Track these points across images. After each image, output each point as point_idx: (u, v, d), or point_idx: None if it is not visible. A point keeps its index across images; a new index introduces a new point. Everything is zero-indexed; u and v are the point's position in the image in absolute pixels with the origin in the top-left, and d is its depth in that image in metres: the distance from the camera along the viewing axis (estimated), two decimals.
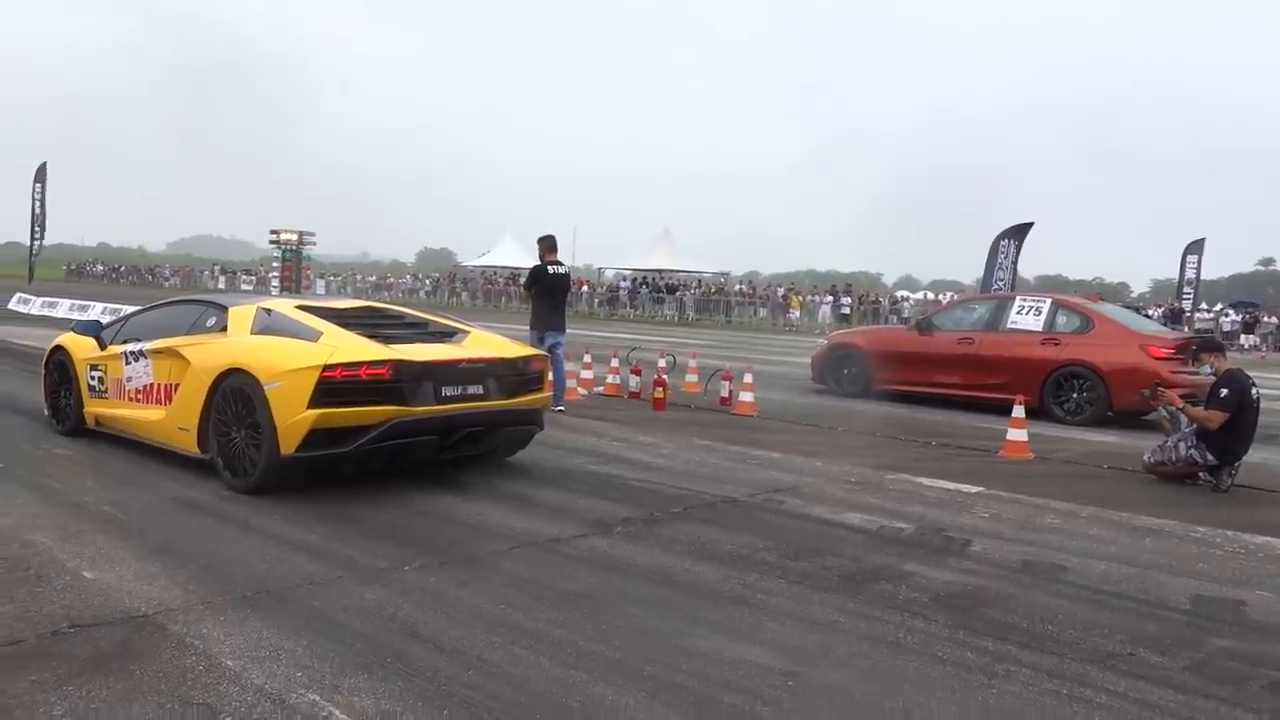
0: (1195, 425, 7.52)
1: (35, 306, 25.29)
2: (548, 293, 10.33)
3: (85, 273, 70.76)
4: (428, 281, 55.73)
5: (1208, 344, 8.71)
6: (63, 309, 24.16)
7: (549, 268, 10.28)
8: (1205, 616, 4.46)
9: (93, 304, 23.96)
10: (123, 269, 72.05)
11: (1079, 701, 3.43)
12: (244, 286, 54.51)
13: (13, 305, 26.04)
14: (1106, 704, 3.42)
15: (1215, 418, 7.36)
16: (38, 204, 26.37)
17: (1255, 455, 7.95)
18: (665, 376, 11.25)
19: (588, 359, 12.63)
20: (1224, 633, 4.25)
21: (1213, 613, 4.51)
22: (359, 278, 59.23)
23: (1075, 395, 11.12)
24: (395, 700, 3.20)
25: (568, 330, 10.55)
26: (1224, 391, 7.41)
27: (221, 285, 58.48)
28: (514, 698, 3.25)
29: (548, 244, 10.39)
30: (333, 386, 5.68)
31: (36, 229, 26.91)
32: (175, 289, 58.85)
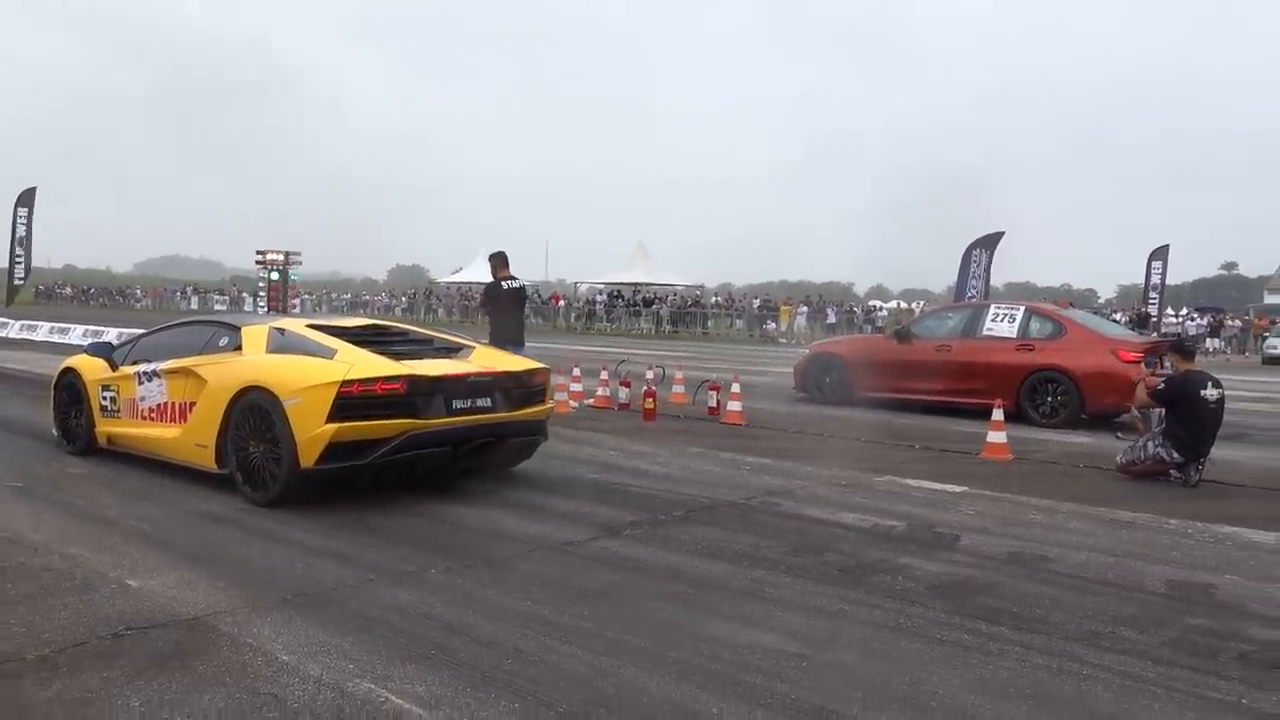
0: (1163, 425, 7.94)
1: (14, 330, 25.21)
2: (506, 308, 10.55)
3: (54, 295, 70.04)
4: (403, 298, 55.79)
5: (1176, 346, 9.16)
6: (42, 332, 24.13)
7: (503, 283, 10.52)
8: (1179, 598, 4.81)
9: (73, 327, 23.97)
10: (92, 291, 71.40)
11: (1068, 674, 3.76)
12: (217, 307, 54.28)
13: None
14: (1093, 675, 3.75)
15: (1143, 401, 8.17)
16: (22, 227, 26.34)
17: (1223, 452, 8.38)
18: (655, 388, 11.56)
19: (577, 372, 12.90)
20: (1197, 612, 4.60)
21: (1186, 595, 4.87)
22: (334, 296, 59.15)
23: (1050, 399, 11.52)
24: (445, 686, 3.47)
25: (526, 344, 10.55)
26: (1161, 385, 8.08)
27: (194, 306, 58.23)
28: (554, 682, 3.53)
29: (500, 260, 10.63)
30: (350, 401, 5.94)
31: (19, 253, 26.84)
32: (147, 310, 58.48)
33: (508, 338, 10.36)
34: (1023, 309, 12.49)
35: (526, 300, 10.98)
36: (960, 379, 12.17)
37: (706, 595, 4.65)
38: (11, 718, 3.16)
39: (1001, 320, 12.34)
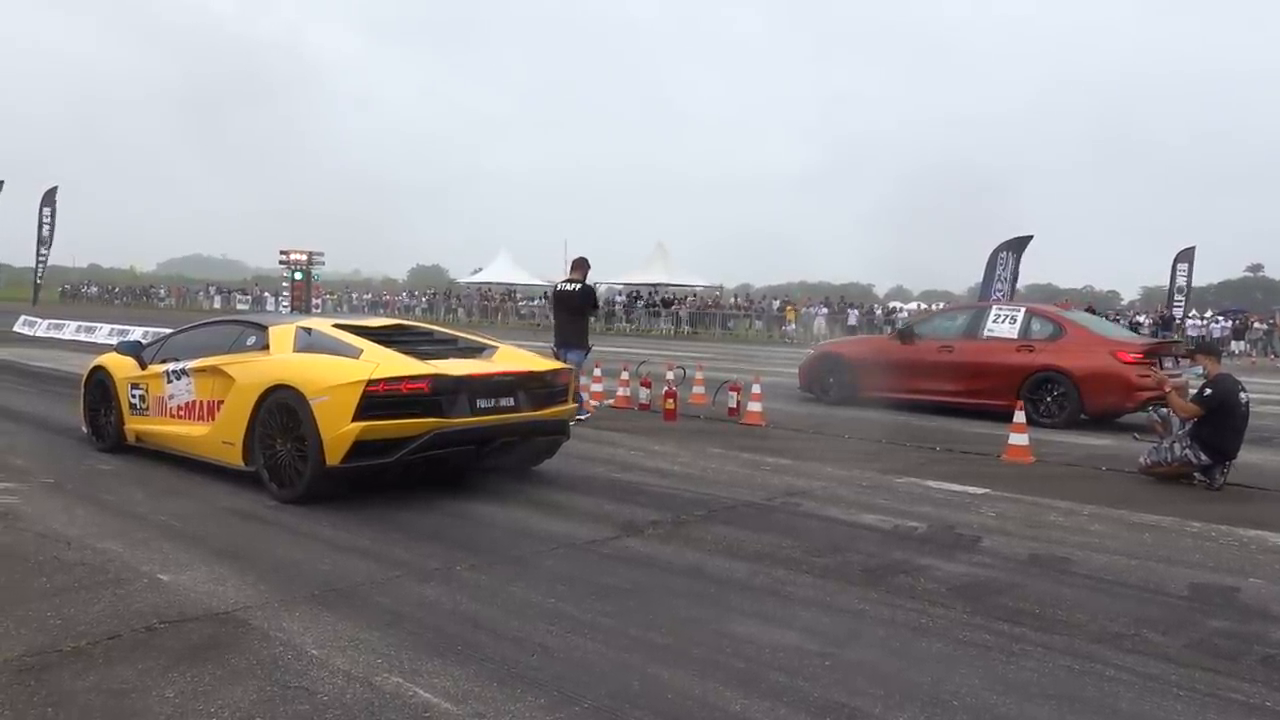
0: (1189, 426, 7.91)
1: (41, 329, 25.55)
2: (557, 309, 10.72)
3: (79, 294, 70.88)
4: (424, 298, 56.04)
5: (1204, 348, 9.13)
6: (69, 331, 24.44)
7: (558, 285, 10.66)
8: (1202, 601, 4.81)
9: (99, 325, 24.26)
10: (117, 290, 72.17)
11: (1090, 675, 3.77)
12: (240, 306, 54.78)
13: (18, 328, 26.31)
14: (1115, 677, 3.76)
15: (1190, 410, 7.88)
16: (46, 227, 26.71)
17: (1247, 456, 8.33)
18: (675, 388, 11.60)
19: (598, 372, 12.95)
20: (1219, 615, 4.60)
21: (1209, 598, 4.86)
22: (354, 295, 59.49)
23: (1049, 399, 11.50)
24: (472, 681, 3.52)
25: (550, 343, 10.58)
26: (1208, 391, 7.86)
27: (217, 305, 58.77)
28: (578, 677, 3.58)
29: (574, 263, 10.82)
30: (376, 400, 6.01)
31: (43, 251, 27.24)
32: (171, 310, 59.07)
33: (562, 339, 10.45)
34: (1023, 310, 12.55)
35: (575, 301, 10.62)
36: (962, 379, 12.19)
37: (729, 594, 4.68)
38: (50, 707, 3.24)
39: (1003, 321, 12.36)
